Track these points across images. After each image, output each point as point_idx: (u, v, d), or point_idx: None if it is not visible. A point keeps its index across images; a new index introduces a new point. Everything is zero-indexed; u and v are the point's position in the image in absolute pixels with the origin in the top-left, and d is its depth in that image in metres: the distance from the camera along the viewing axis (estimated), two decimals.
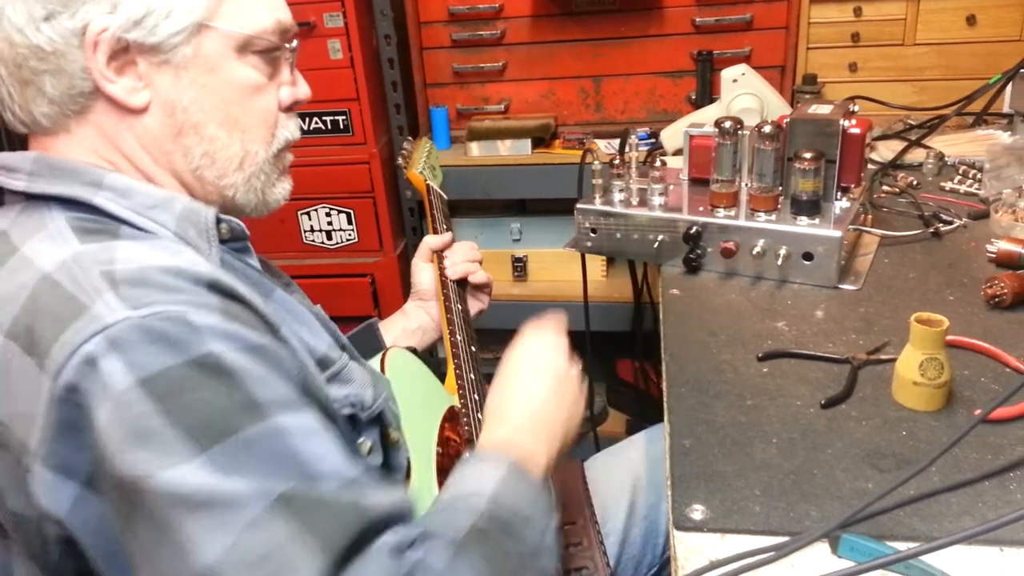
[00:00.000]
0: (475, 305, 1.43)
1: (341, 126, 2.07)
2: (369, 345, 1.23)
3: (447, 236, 1.44)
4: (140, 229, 0.83)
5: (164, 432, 0.67)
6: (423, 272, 1.42)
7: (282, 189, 0.98)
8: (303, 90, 0.97)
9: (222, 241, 0.89)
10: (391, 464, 1.01)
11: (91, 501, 0.72)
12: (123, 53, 0.82)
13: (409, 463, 1.04)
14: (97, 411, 0.69)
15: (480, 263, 1.45)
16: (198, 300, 0.73)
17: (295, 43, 0.94)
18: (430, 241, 1.42)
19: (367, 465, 0.89)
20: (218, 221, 0.88)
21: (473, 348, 1.35)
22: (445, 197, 1.66)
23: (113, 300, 0.71)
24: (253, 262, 0.93)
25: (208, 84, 0.86)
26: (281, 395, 0.73)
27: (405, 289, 2.18)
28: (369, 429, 0.95)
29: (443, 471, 1.07)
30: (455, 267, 1.39)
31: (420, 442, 1.09)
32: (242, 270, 0.89)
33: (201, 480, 0.66)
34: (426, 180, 1.65)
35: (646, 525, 1.27)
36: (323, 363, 0.91)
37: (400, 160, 1.70)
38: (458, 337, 1.32)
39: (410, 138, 1.83)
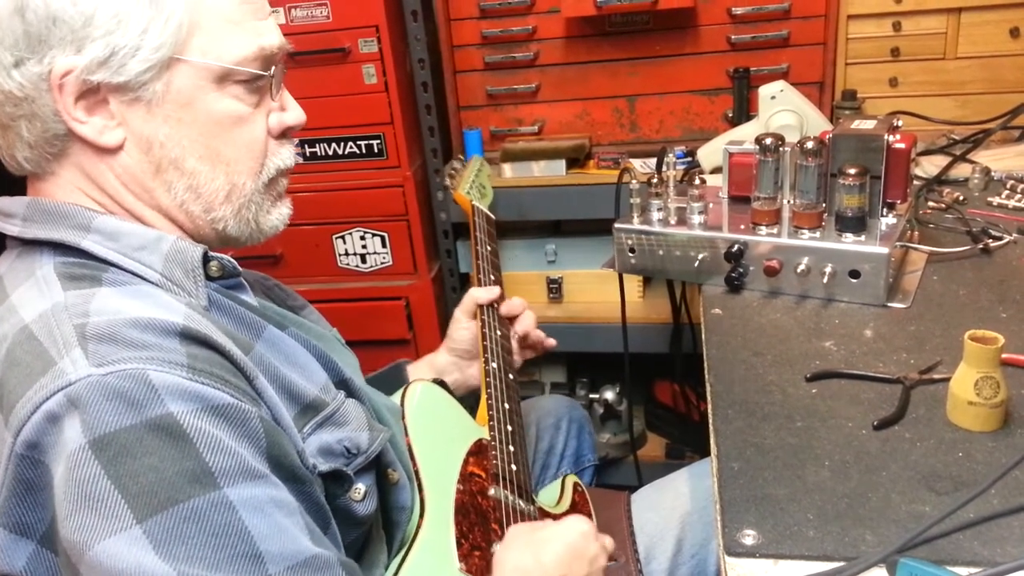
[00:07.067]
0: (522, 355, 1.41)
1: (375, 150, 2.08)
2: (395, 388, 1.19)
3: (495, 291, 1.39)
4: (127, 271, 0.82)
5: (107, 496, 0.66)
6: (464, 331, 1.37)
7: (278, 215, 0.95)
8: (292, 115, 0.93)
9: (213, 278, 0.87)
10: (392, 505, 0.98)
11: (46, 558, 0.72)
12: (93, 93, 0.80)
13: (423, 501, 1.01)
14: (55, 469, 0.69)
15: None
16: (164, 355, 0.72)
17: (276, 68, 0.90)
18: (477, 295, 1.38)
19: (334, 538, 0.86)
20: (208, 260, 0.87)
21: (511, 376, 1.32)
22: (493, 218, 1.65)
23: (79, 356, 0.71)
24: (247, 298, 0.92)
25: (184, 118, 0.84)
26: (237, 463, 0.71)
27: (439, 312, 2.19)
28: (364, 474, 0.91)
29: (463, 510, 1.04)
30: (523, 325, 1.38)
31: (439, 478, 1.06)
32: (232, 309, 0.88)
33: (137, 557, 0.65)
34: (472, 201, 1.64)
35: (694, 564, 1.20)
36: (313, 407, 0.88)
37: (447, 180, 1.71)
38: (493, 365, 1.29)
39: (460, 157, 1.83)
